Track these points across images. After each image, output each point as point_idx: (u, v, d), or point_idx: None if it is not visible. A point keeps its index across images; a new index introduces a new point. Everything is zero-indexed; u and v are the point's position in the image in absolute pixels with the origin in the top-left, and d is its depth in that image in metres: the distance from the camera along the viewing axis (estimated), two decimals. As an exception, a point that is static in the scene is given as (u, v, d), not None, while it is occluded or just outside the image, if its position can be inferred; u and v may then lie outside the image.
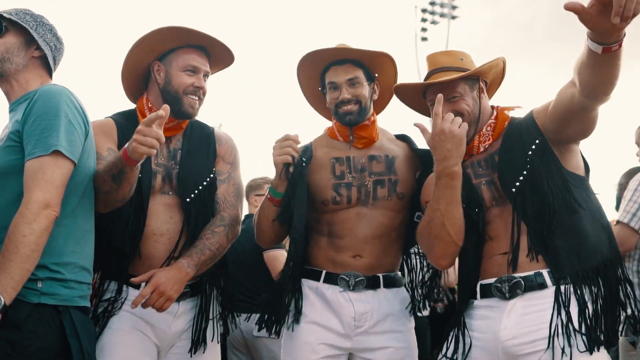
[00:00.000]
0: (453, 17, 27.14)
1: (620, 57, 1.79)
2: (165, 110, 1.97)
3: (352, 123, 2.60)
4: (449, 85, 2.30)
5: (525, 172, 2.17)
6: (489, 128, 2.35)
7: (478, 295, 2.23)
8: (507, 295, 2.11)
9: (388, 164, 2.63)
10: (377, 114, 2.77)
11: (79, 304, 1.94)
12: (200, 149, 2.56)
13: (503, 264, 2.16)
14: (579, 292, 2.03)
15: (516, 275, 2.12)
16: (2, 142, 1.94)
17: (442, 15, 27.25)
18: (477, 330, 2.19)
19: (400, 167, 2.65)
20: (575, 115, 2.05)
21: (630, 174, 3.68)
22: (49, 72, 2.17)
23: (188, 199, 2.45)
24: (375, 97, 2.68)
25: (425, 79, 2.41)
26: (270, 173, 4.60)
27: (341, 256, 2.58)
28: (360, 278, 2.54)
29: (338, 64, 2.59)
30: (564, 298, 2.02)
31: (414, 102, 2.56)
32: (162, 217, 2.40)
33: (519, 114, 2.39)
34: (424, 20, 27.52)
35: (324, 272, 2.58)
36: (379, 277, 2.59)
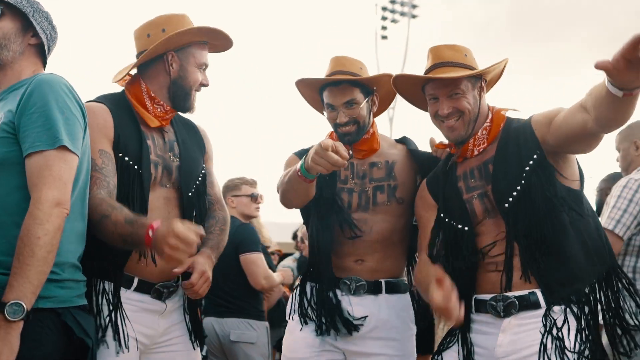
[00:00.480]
0: (413, 16, 27.34)
1: (639, 96, 1.78)
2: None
3: (351, 142, 2.61)
4: (453, 81, 2.24)
5: (519, 188, 2.13)
6: (484, 132, 2.29)
7: (473, 309, 2.21)
8: (501, 314, 2.12)
9: (388, 170, 2.63)
10: (379, 113, 2.77)
11: (78, 304, 1.86)
12: (192, 142, 2.48)
13: (497, 282, 2.15)
14: (569, 312, 2.05)
15: (510, 295, 2.11)
16: None
17: (402, 14, 27.44)
18: (476, 344, 2.19)
19: (399, 171, 2.64)
20: (584, 139, 2.03)
21: (611, 179, 3.72)
22: (43, 62, 2.05)
23: (190, 193, 2.36)
24: (375, 108, 2.67)
25: (427, 72, 2.32)
26: (246, 173, 4.54)
27: (343, 261, 2.59)
28: (361, 282, 2.56)
29: (334, 85, 2.57)
30: (554, 319, 2.04)
31: (411, 94, 2.46)
32: (162, 212, 2.26)
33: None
34: (384, 18, 27.67)
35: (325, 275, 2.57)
36: (380, 282, 2.59)
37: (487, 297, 2.17)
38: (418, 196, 2.50)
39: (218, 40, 2.43)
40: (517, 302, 2.09)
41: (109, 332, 2.10)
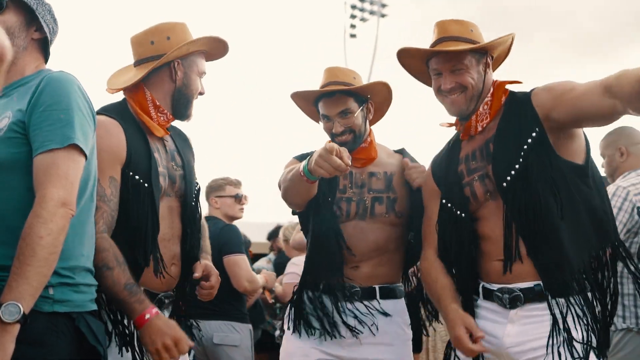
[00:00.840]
0: (382, 15, 27.46)
1: None
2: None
3: (349, 151, 2.58)
4: (456, 56, 2.22)
5: (517, 167, 2.10)
6: (485, 107, 2.25)
7: (481, 295, 2.22)
8: (507, 306, 2.12)
9: (387, 181, 2.66)
10: (376, 121, 2.78)
11: (91, 309, 1.81)
12: (187, 150, 2.49)
13: (502, 271, 2.13)
14: (573, 302, 2.04)
15: (515, 287, 2.11)
16: (1, 132, 1.73)
17: (371, 12, 27.53)
18: (484, 331, 2.16)
19: (398, 184, 2.66)
20: (606, 120, 2.02)
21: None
22: (45, 57, 1.97)
23: (193, 202, 2.40)
24: (371, 116, 2.69)
25: (431, 46, 2.30)
26: (228, 174, 4.48)
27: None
28: (355, 289, 2.57)
29: (327, 96, 2.60)
30: (560, 309, 2.04)
31: (416, 69, 2.43)
32: (167, 221, 2.29)
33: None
34: (353, 16, 27.73)
35: (322, 283, 2.60)
36: (374, 288, 2.60)
37: (494, 287, 2.17)
38: (424, 183, 2.50)
39: (216, 50, 2.45)
40: (522, 295, 2.09)
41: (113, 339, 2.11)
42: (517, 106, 2.19)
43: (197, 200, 2.45)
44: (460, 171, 2.29)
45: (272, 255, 6.74)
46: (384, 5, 27.51)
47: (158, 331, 2.01)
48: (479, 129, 2.27)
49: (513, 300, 2.10)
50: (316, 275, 2.62)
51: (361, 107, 2.61)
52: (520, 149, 2.11)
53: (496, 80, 2.31)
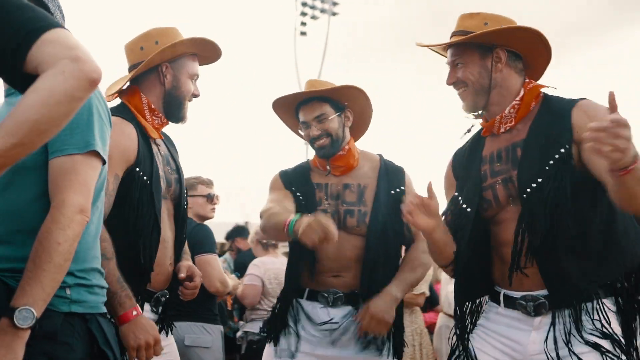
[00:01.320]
0: (334, 14, 27.49)
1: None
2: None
3: (327, 156, 2.79)
4: (456, 51, 2.23)
5: (540, 180, 2.05)
6: (512, 110, 2.19)
7: (502, 303, 2.17)
8: (532, 313, 2.09)
9: (359, 194, 2.79)
10: (360, 136, 2.95)
11: (103, 310, 1.79)
12: (176, 154, 2.57)
13: (523, 278, 2.10)
14: (598, 308, 2.00)
15: (539, 294, 2.08)
16: None
17: (322, 10, 27.50)
18: (505, 337, 2.15)
19: (369, 196, 2.79)
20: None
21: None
22: None
23: (186, 205, 2.52)
24: (349, 123, 2.83)
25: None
26: (201, 173, 4.42)
27: (322, 276, 2.75)
28: (338, 294, 2.73)
29: (305, 104, 2.80)
30: (587, 316, 2.00)
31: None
32: (167, 223, 2.40)
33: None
34: (303, 14, 27.65)
35: (307, 290, 2.78)
36: (357, 293, 2.74)
37: (517, 294, 2.13)
38: (445, 172, 2.47)
39: (207, 52, 2.53)
40: (547, 302, 2.06)
41: None
42: (552, 114, 2.13)
43: (187, 203, 2.56)
44: (483, 172, 2.24)
45: (227, 256, 6.64)
46: (335, 4, 27.55)
47: (142, 328, 2.10)
48: (502, 130, 2.22)
49: (538, 308, 2.07)
50: (298, 282, 2.78)
51: (338, 113, 2.77)
52: (547, 160, 2.06)
53: (529, 82, 2.25)
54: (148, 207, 2.24)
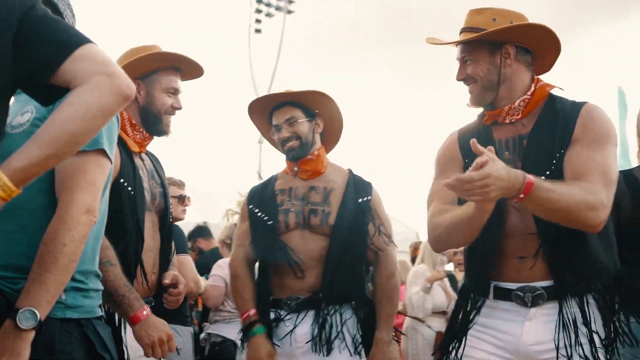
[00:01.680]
0: (289, 12, 27.43)
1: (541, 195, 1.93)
2: None
3: (296, 158, 2.91)
4: (465, 47, 2.25)
5: (548, 173, 2.09)
6: (521, 103, 2.23)
7: (491, 296, 2.19)
8: (529, 304, 2.11)
9: (325, 196, 2.88)
10: (333, 145, 3.07)
11: (99, 314, 1.77)
12: (161, 171, 2.65)
13: (521, 269, 2.13)
14: (591, 301, 2.09)
15: (538, 285, 2.11)
16: (23, 127, 1.65)
17: (277, 8, 27.41)
18: (497, 330, 2.17)
19: (335, 199, 2.87)
20: None
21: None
22: None
23: (171, 218, 2.61)
24: (319, 130, 2.97)
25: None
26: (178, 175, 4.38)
27: (284, 278, 2.83)
28: (300, 300, 2.80)
29: (277, 109, 2.94)
30: (580, 309, 2.07)
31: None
32: (150, 233, 2.48)
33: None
34: (258, 11, 27.49)
35: (271, 298, 2.86)
36: (319, 295, 2.78)
37: (512, 286, 2.14)
38: (444, 146, 2.40)
39: (184, 65, 2.58)
40: (545, 293, 2.09)
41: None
42: (558, 113, 2.19)
43: (172, 216, 2.66)
44: None
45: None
46: (290, 2, 27.51)
47: (154, 326, 2.24)
48: (507, 121, 2.25)
49: (535, 299, 2.10)
50: (267, 289, 2.87)
51: (308, 119, 2.90)
52: (552, 157, 2.12)
53: (539, 79, 2.29)
54: (132, 216, 2.30)
